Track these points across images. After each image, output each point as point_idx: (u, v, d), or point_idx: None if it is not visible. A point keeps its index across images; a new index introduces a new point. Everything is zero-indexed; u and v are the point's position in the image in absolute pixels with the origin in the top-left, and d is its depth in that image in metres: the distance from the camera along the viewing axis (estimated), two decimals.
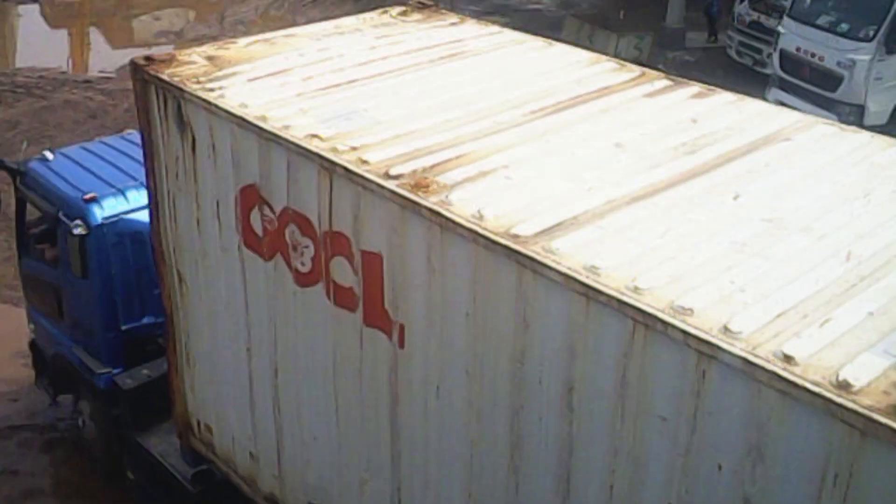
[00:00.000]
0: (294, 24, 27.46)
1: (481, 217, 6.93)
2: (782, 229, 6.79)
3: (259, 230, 8.72)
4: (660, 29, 26.96)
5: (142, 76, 9.35)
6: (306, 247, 8.31)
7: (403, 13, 10.68)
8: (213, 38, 25.94)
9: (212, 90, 8.87)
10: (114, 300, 11.64)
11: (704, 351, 5.80)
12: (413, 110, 8.49)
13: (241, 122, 8.46)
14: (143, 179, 11.13)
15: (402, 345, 7.79)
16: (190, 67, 9.32)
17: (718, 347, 5.73)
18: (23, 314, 14.03)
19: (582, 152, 7.84)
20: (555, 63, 9.51)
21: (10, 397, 13.84)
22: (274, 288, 8.81)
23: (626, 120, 8.38)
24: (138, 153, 11.66)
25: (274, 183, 8.39)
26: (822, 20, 22.32)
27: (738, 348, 5.66)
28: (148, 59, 9.43)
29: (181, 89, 8.98)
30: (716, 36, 27.38)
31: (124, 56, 24.93)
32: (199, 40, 26.48)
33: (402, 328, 7.74)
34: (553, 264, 6.46)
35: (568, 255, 6.51)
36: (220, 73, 9.19)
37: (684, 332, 5.87)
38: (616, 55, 25.26)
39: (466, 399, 7.43)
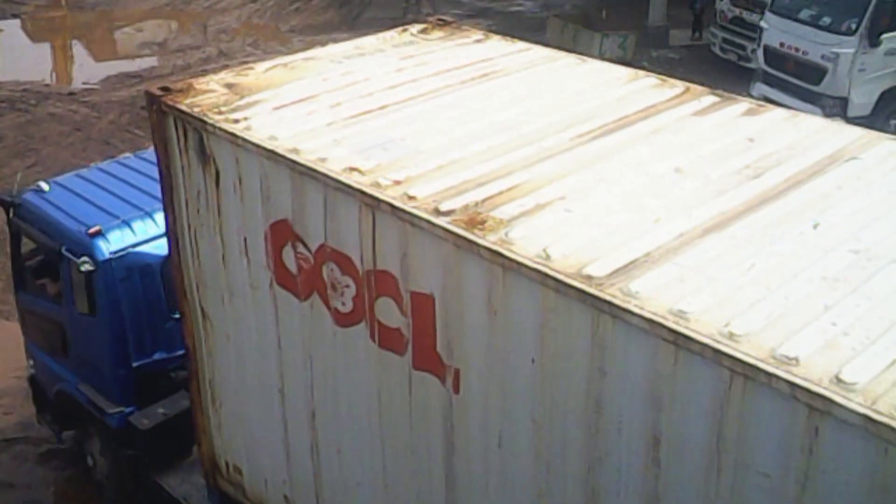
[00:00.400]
0: (277, 31, 26.99)
1: (548, 256, 6.27)
2: (873, 260, 6.17)
3: (293, 268, 8.03)
4: (643, 28, 26.33)
5: (158, 106, 8.61)
6: (347, 286, 7.63)
7: (424, 31, 9.98)
8: (197, 48, 25.67)
9: (236, 121, 8.17)
10: (124, 337, 10.72)
11: (816, 406, 5.18)
12: (453, 137, 7.82)
13: (272, 156, 7.76)
14: (148, 208, 10.55)
15: (457, 390, 7.12)
16: (209, 96, 8.60)
17: (833, 402, 5.10)
18: (14, 327, 13.50)
19: (640, 179, 7.19)
20: (592, 81, 8.83)
21: (4, 410, 13.29)
22: (310, 328, 8.12)
23: (679, 142, 7.73)
24: (138, 179, 11.12)
25: (309, 219, 7.70)
26: (803, 14, 21.83)
27: (856, 403, 5.03)
28: (164, 88, 8.70)
29: (203, 121, 8.27)
30: (700, 33, 26.78)
31: (108, 68, 24.78)
32: (183, 50, 26.11)
33: (457, 373, 7.07)
34: (636, 309, 5.81)
35: (649, 297, 5.87)
36: (242, 102, 8.48)
37: (792, 384, 5.23)
38: (601, 55, 24.72)
39: (533, 448, 6.77)
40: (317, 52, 9.63)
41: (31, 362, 12.33)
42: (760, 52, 22.76)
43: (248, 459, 9.46)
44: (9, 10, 28.57)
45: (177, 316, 10.52)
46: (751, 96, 21.69)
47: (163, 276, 10.58)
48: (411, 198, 7.01)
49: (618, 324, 5.95)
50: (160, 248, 10.45)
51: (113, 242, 10.48)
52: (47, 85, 24.48)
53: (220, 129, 8.14)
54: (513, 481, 7.00)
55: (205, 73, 24.12)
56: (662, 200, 6.90)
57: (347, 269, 7.56)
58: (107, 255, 10.43)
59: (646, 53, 25.80)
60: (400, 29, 10.05)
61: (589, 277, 6.07)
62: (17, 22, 28.96)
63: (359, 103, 8.40)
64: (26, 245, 11.78)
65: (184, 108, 8.46)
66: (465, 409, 7.13)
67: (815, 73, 21.38)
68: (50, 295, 11.50)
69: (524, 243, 6.43)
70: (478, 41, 9.81)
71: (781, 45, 22.17)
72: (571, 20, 26.10)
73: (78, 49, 27.46)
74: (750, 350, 5.43)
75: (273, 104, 8.45)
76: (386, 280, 7.29)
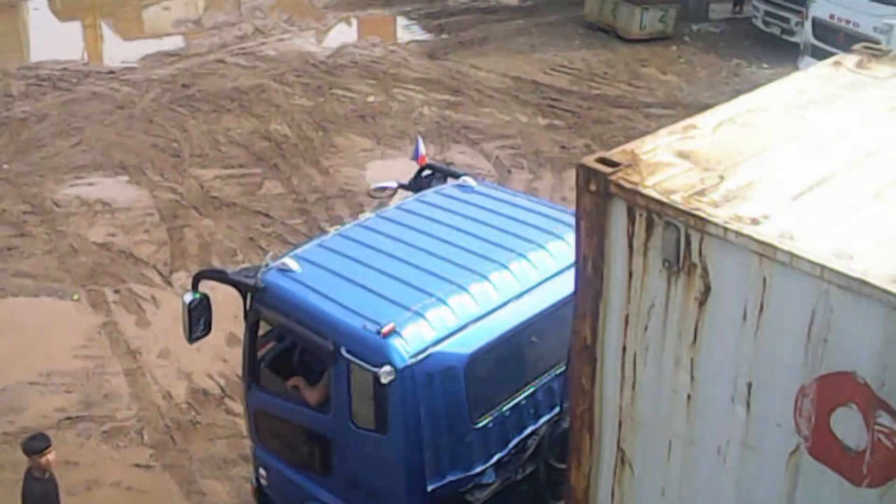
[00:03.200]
0: (311, 7, 24.01)
1: None
2: None
3: (852, 441, 4.89)
4: (683, 1, 23.13)
5: (602, 186, 5.31)
6: None
7: (861, 64, 6.78)
8: (232, 26, 22.66)
9: (754, 221, 4.91)
10: (419, 456, 7.45)
11: None
12: None
13: (854, 285, 4.53)
14: (436, 291, 7.43)
15: None
16: (672, 174, 5.39)
17: None
18: (68, 307, 12.64)
19: None
20: None
21: (65, 389, 11.39)
22: None
23: None
24: (398, 249, 8.00)
25: None
26: None
27: None
28: (605, 161, 5.39)
29: (696, 216, 5.00)
30: (741, 6, 23.73)
31: (146, 46, 21.70)
32: (218, 28, 22.72)
33: None
34: None
35: None
36: (731, 186, 5.30)
37: None
38: (641, 29, 21.85)
39: None
40: (755, 99, 6.35)
41: (264, 472, 8.72)
42: (809, 25, 19.87)
43: None
44: None
45: (479, 426, 7.58)
46: (798, 70, 19.02)
47: (466, 379, 7.37)
48: None
49: None
50: (461, 344, 7.36)
51: (411, 343, 7.19)
52: (86, 64, 20.96)
53: (736, 232, 4.90)
54: None
55: (243, 51, 21.11)
56: None
57: None
58: (407, 361, 7.13)
59: (686, 27, 22.78)
60: (830, 62, 6.82)
61: None
62: (44, 1, 25.05)
63: None
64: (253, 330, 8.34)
65: (653, 193, 5.19)
66: None
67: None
68: (306, 400, 8.03)
69: None
70: None
71: (831, 17, 19.36)
72: None
73: (113, 27, 23.81)
74: None
75: (784, 190, 5.21)
76: None
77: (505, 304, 7.60)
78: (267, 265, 7.98)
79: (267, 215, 14.66)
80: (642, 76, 20.32)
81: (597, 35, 22.40)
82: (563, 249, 7.92)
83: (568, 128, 17.79)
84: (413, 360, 7.12)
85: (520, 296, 7.59)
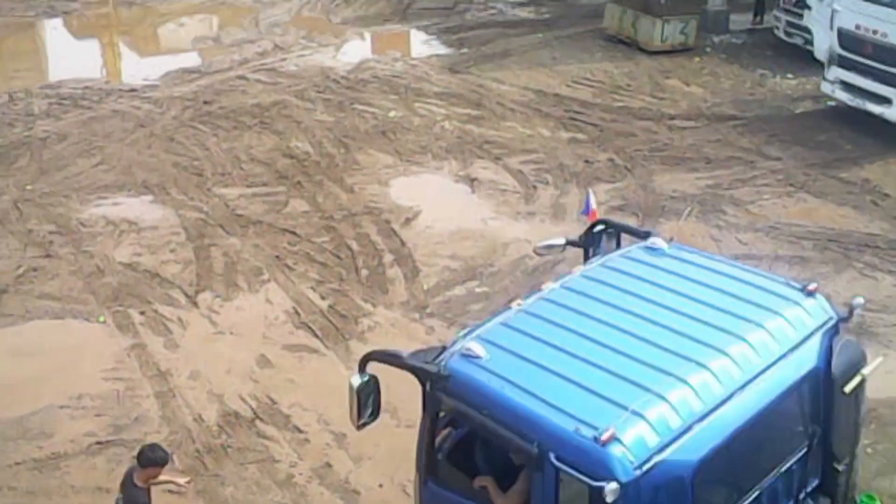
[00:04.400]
0: (329, 23, 23.93)
1: None
2: None
3: None
4: (702, 12, 22.80)
5: None
6: None
7: None
8: (252, 42, 22.62)
9: None
10: None
11: None
12: None
13: None
14: (652, 385, 6.47)
15: None
16: None
17: None
18: (95, 329, 12.37)
19: None
20: None
21: (95, 412, 11.07)
22: None
23: None
24: (594, 329, 7.07)
25: None
26: None
27: None
28: None
29: None
30: (762, 16, 23.36)
31: (166, 64, 21.65)
32: (238, 45, 22.72)
33: None
34: None
35: None
36: None
37: None
38: (662, 41, 21.44)
39: None
40: None
41: None
42: (834, 35, 19.42)
43: None
44: (59, 7, 24.64)
45: None
46: (825, 80, 18.67)
47: (694, 489, 6.38)
48: None
49: None
50: (688, 450, 6.33)
51: (634, 451, 6.14)
52: (108, 82, 20.87)
53: None
54: None
55: (263, 66, 20.95)
56: None
57: None
58: (633, 474, 6.09)
59: (707, 39, 22.42)
60: None
61: None
62: (67, 19, 25.02)
63: None
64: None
65: None
66: None
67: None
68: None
69: None
70: None
71: (857, 27, 18.87)
72: (630, 6, 22.42)
73: (133, 45, 23.78)
74: None
75: None
76: None
77: (729, 397, 6.60)
78: (447, 349, 7.09)
79: (293, 233, 14.36)
80: (666, 88, 19.95)
81: (618, 47, 22.10)
82: (784, 328, 7.03)
83: (591, 141, 17.38)
84: (638, 473, 6.07)
85: (744, 386, 6.62)
